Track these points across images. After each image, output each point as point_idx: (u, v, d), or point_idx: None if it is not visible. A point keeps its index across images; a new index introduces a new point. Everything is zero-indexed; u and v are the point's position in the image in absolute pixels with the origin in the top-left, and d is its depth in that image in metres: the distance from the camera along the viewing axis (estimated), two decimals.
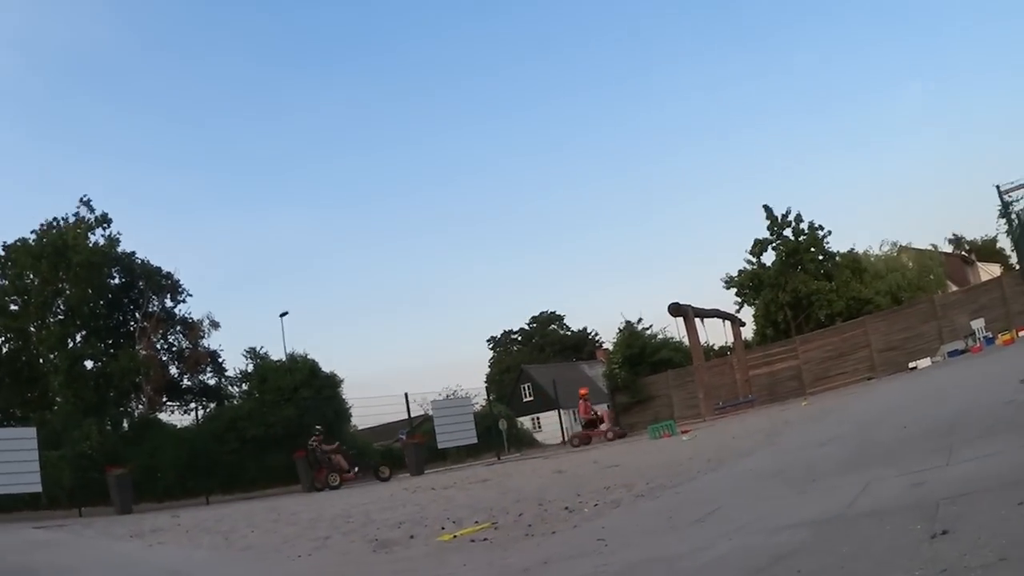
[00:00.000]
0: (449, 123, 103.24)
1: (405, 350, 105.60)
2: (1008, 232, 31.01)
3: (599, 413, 25.99)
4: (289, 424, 23.36)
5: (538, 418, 52.54)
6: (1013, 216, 26.36)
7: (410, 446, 22.88)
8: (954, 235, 64.68)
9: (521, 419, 45.51)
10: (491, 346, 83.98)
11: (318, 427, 21.93)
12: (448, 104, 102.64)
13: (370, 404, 24.28)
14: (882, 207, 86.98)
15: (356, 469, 21.26)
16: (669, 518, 4.53)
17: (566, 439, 34.73)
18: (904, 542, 2.46)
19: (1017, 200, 25.53)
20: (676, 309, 27.11)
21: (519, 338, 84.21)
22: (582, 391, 27.48)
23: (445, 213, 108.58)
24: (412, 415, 26.14)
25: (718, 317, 30.51)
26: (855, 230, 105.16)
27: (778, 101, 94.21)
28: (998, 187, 25.93)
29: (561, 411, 36.67)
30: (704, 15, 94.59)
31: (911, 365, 24.97)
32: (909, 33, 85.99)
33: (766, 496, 4.58)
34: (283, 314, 34.13)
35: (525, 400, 60.83)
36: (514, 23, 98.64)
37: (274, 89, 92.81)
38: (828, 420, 10.76)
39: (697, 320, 27.98)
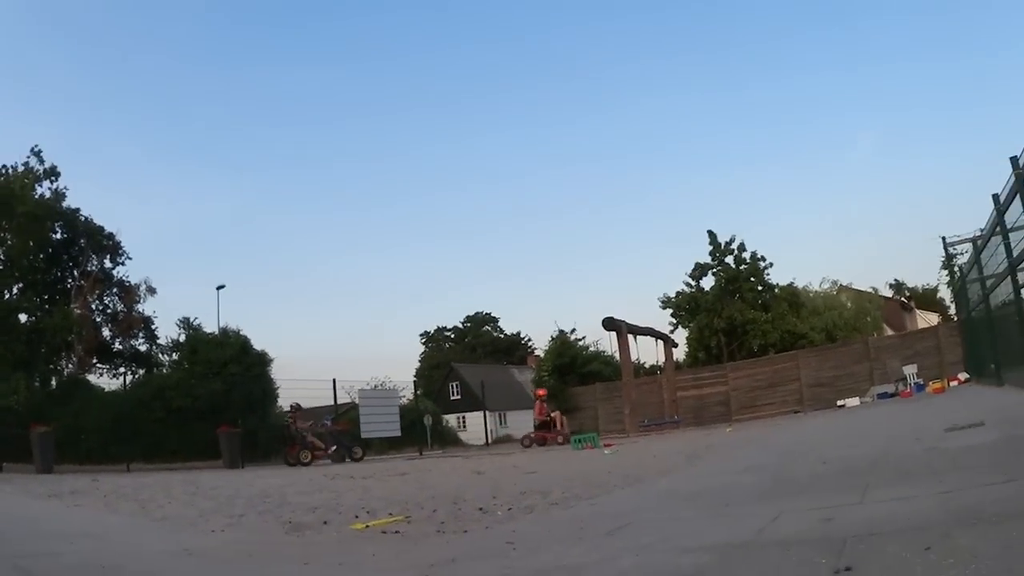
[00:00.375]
0: (408, 110, 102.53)
1: (338, 336, 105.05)
2: (949, 284, 31.85)
3: (554, 416, 25.15)
4: (215, 398, 22.92)
5: (464, 417, 52.57)
6: (955, 268, 27.03)
7: (334, 433, 22.74)
8: (896, 280, 66.11)
9: (447, 417, 45.85)
10: (423, 341, 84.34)
11: (294, 403, 22.61)
12: (407, 90, 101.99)
13: (297, 387, 24.13)
14: (828, 247, 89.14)
15: (333, 448, 21.53)
16: (580, 528, 4.53)
17: (489, 441, 35.03)
18: (806, 573, 2.44)
19: (961, 253, 26.21)
20: (610, 323, 27.44)
21: (452, 336, 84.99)
22: (540, 392, 27.41)
23: (391, 203, 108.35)
24: (339, 402, 26.33)
25: (651, 336, 31.07)
26: (798, 265, 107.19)
27: (737, 130, 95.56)
28: (944, 239, 26.67)
29: (487, 412, 36.89)
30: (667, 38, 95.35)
31: (839, 403, 25.48)
32: (869, 81, 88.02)
33: (678, 517, 4.60)
34: (220, 287, 33.72)
35: (452, 398, 61.26)
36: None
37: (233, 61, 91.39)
38: (750, 448, 10.88)
39: (630, 336, 28.41)
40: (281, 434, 22.48)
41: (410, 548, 4.53)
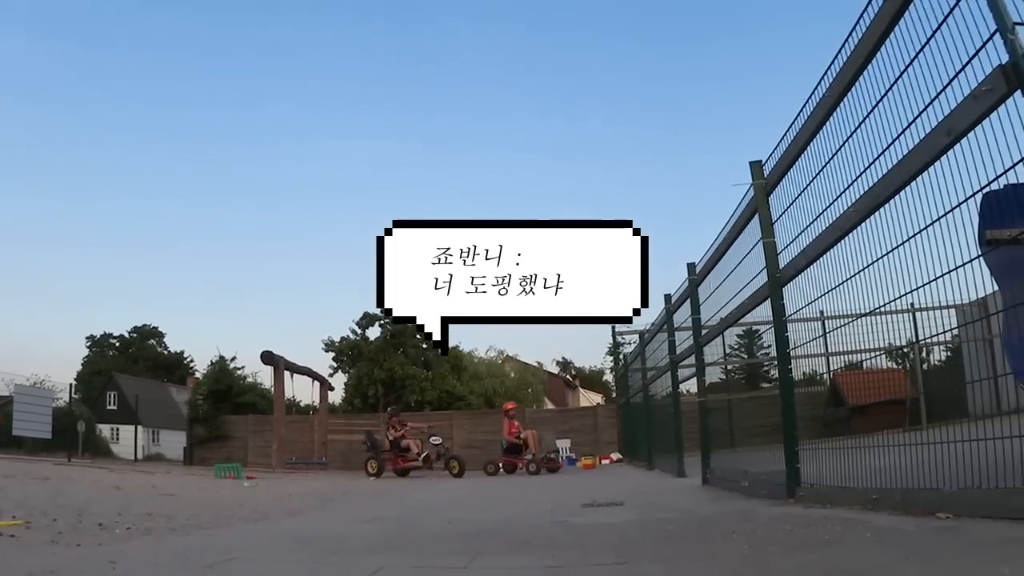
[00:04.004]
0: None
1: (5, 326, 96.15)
2: (612, 369, 34.39)
3: (526, 436, 21.58)
4: None
5: (118, 429, 51.01)
6: (620, 356, 29.18)
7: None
8: (564, 358, 70.39)
9: (101, 426, 44.47)
10: (88, 344, 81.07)
11: (392, 407, 23.23)
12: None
13: None
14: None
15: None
16: (186, 557, 4.51)
17: (138, 457, 33.46)
18: None
19: (628, 343, 28.41)
20: (268, 357, 27.69)
21: (117, 344, 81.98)
22: (508, 406, 24.06)
23: (79, 198, 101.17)
24: None
25: (309, 375, 31.68)
26: (467, 330, 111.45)
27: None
28: (613, 328, 28.77)
29: (140, 427, 36.04)
30: None
31: (490, 469, 26.43)
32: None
33: (284, 559, 4.57)
34: None
35: (109, 407, 59.23)
36: None
37: None
38: (385, 499, 10.98)
39: (287, 373, 28.77)
40: None
41: (17, 554, 4.47)
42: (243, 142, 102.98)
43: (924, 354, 7.08)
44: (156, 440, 54.37)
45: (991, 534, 3.17)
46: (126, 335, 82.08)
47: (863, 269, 4.70)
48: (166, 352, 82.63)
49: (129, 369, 70.59)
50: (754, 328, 8.35)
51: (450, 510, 8.33)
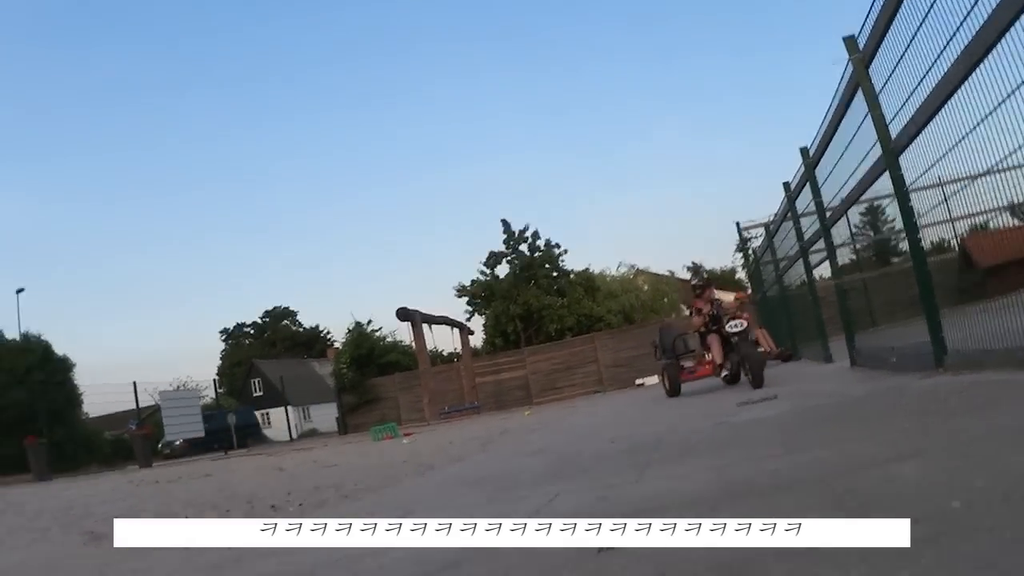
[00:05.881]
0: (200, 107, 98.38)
1: (138, 336, 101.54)
2: (744, 266, 33.89)
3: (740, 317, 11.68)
4: (20, 408, 21.68)
5: (267, 413, 54.32)
6: (750, 251, 28.75)
7: (138, 437, 22.43)
8: (693, 263, 69.44)
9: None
10: (223, 338, 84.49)
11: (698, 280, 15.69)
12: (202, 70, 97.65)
13: (100, 391, 23.66)
14: (626, 232, 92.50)
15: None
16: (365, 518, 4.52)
17: (293, 436, 34.78)
18: (573, 554, 2.51)
19: (755, 237, 27.93)
20: (404, 314, 28.07)
21: (251, 332, 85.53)
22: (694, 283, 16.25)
23: (186, 200, 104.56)
24: (141, 405, 26.08)
25: (447, 324, 32.09)
26: (595, 251, 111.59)
27: (531, 118, 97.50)
28: (738, 224, 28.39)
29: (290, 408, 36.88)
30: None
31: (638, 382, 26.72)
32: (669, 71, 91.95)
33: (460, 503, 4.68)
34: (19, 290, 32.68)
35: (255, 395, 62.82)
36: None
37: None
38: (543, 431, 11.17)
39: (425, 326, 29.24)
40: (89, 443, 22.09)
41: (194, 551, 4.44)
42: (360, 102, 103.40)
43: None
44: (307, 416, 56.25)
45: None
46: (259, 321, 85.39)
47: (973, 128, 4.62)
48: (301, 329, 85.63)
49: (268, 353, 73.41)
50: (876, 204, 8.20)
51: (607, 431, 8.46)
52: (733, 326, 11.26)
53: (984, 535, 1.70)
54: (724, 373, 11.97)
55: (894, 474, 2.68)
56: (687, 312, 16.79)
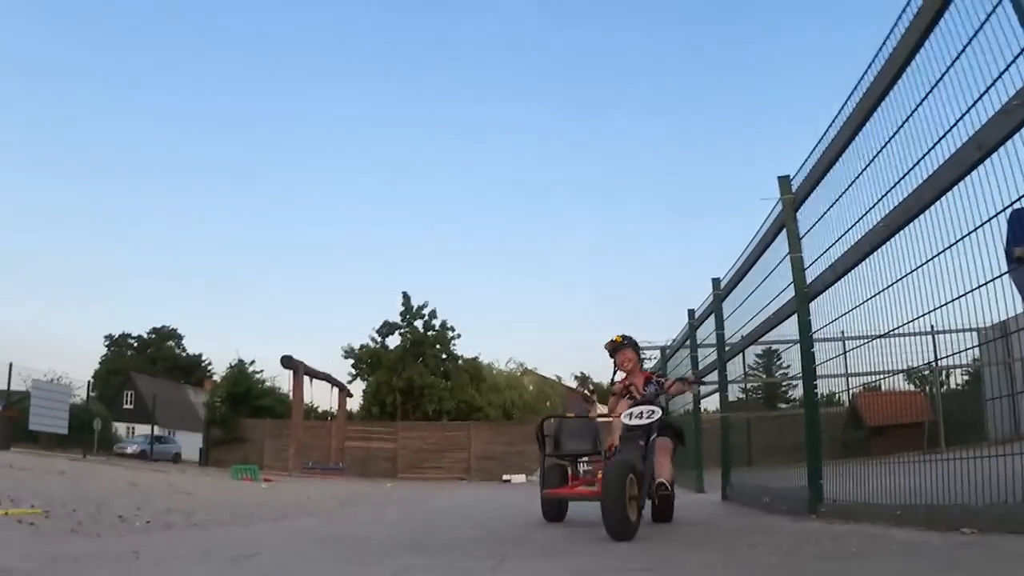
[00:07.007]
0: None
1: (23, 321, 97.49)
2: None
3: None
4: None
5: (133, 428, 52.70)
6: None
7: (2, 418, 22.19)
8: (582, 373, 70.13)
9: (117, 424, 46.84)
10: (107, 344, 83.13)
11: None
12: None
13: None
14: (522, 329, 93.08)
15: None
16: (208, 551, 4.59)
17: (153, 457, 33.98)
18: None
19: (649, 359, 28.29)
20: (288, 362, 28.28)
21: (135, 344, 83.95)
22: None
23: (99, 193, 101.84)
24: (12, 388, 25.58)
25: (328, 381, 32.19)
26: (488, 343, 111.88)
27: (458, 191, 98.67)
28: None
29: (155, 427, 38.54)
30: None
31: (505, 477, 26.72)
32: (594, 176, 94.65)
33: (310, 556, 4.54)
34: None
35: (125, 407, 61.55)
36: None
37: None
38: (405, 505, 11.10)
39: (306, 378, 29.47)
40: None
41: (38, 540, 4.64)
42: (267, 145, 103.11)
43: (944, 376, 7.13)
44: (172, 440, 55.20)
45: (1019, 547, 3.21)
46: (145, 336, 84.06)
47: (889, 286, 4.77)
48: (184, 354, 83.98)
49: (147, 369, 71.88)
50: (773, 348, 8.40)
51: (470, 518, 8.35)
52: (636, 415, 6.28)
53: None
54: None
55: None
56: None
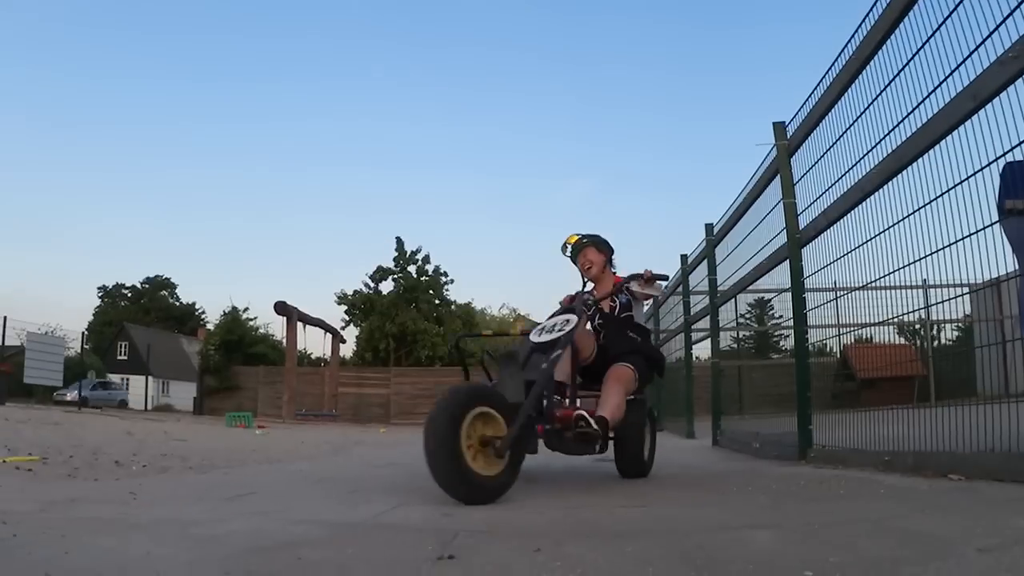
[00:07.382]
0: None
1: (13, 271, 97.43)
2: None
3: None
4: None
5: (128, 379, 52.61)
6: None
7: None
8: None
9: (112, 376, 47.38)
10: (100, 295, 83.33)
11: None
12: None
13: None
14: (513, 277, 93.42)
15: None
16: (205, 491, 4.71)
17: (148, 407, 34.26)
18: (410, 556, 2.46)
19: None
20: (282, 308, 28.26)
21: (129, 295, 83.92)
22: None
23: (92, 150, 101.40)
24: (7, 343, 25.69)
25: (321, 328, 32.24)
26: (480, 289, 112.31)
27: (453, 139, 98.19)
28: None
29: (150, 378, 38.66)
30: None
31: None
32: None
33: (304, 495, 4.66)
34: None
35: (120, 358, 61.72)
36: None
37: None
38: (398, 448, 11.13)
39: (300, 325, 29.42)
40: None
41: (36, 485, 4.75)
42: (258, 91, 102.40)
43: (935, 331, 7.17)
44: (166, 391, 55.40)
45: (1004, 493, 3.27)
46: (138, 286, 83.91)
47: (880, 233, 4.77)
48: (178, 303, 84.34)
49: (141, 320, 72.10)
50: (765, 298, 8.41)
51: None
52: (549, 329, 4.90)
53: None
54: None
55: (747, 539, 2.69)
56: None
